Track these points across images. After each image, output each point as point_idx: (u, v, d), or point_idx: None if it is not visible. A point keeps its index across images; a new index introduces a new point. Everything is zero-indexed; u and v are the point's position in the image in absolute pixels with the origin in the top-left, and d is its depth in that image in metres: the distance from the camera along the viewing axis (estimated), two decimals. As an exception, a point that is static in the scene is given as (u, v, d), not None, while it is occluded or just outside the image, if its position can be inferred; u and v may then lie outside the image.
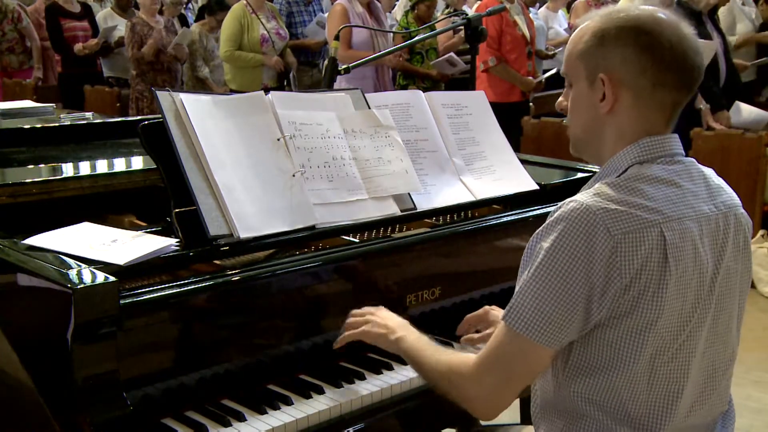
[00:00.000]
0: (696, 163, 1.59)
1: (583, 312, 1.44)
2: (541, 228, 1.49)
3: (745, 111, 5.75)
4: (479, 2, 5.83)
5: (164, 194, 1.84)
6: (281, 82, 6.43)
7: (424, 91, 2.44)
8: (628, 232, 1.42)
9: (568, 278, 1.42)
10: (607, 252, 1.41)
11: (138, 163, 2.40)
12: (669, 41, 1.48)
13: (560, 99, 1.65)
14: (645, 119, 1.53)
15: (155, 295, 1.62)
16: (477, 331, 2.00)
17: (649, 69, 1.49)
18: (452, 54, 5.99)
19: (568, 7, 7.73)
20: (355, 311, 1.84)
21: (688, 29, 1.52)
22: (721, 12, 6.42)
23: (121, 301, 1.54)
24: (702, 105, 5.52)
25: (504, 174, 2.41)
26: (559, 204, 1.49)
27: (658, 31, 1.49)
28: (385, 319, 1.78)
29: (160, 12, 7.27)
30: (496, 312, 1.96)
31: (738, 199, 1.61)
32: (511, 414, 2.93)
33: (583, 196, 1.47)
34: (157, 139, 1.86)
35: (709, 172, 1.61)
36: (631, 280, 1.42)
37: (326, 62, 2.76)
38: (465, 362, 1.56)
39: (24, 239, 1.76)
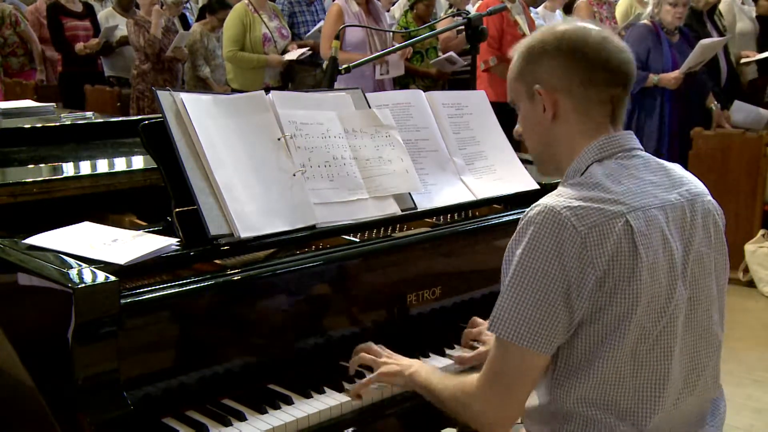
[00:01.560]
0: (654, 157, 1.65)
1: (564, 310, 1.46)
2: (513, 236, 1.53)
3: (745, 110, 5.75)
4: (480, 2, 5.83)
5: (165, 194, 1.84)
6: (284, 82, 6.43)
7: (424, 91, 2.44)
8: (594, 226, 1.46)
9: (543, 279, 1.46)
10: (576, 248, 1.44)
11: (138, 162, 2.40)
12: (589, 43, 1.57)
13: (516, 127, 1.72)
14: (587, 118, 1.59)
15: (156, 294, 1.62)
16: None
17: (576, 71, 1.57)
18: (452, 53, 6.00)
19: (566, 8, 7.73)
20: (362, 346, 1.87)
21: (608, 32, 1.62)
22: (723, 11, 6.42)
23: (122, 301, 1.54)
24: (713, 105, 5.52)
25: (504, 173, 2.41)
26: (526, 210, 1.53)
27: (579, 36, 1.58)
28: (397, 359, 1.83)
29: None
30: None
31: (704, 187, 1.65)
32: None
33: (546, 199, 1.52)
34: (157, 139, 1.86)
35: (671, 165, 1.66)
36: (605, 272, 1.45)
37: (327, 62, 2.76)
38: (470, 381, 1.60)
39: (25, 239, 1.76)
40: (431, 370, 1.77)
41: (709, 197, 1.64)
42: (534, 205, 1.52)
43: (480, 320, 2.04)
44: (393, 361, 1.82)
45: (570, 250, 1.44)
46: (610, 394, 1.51)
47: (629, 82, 1.60)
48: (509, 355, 1.51)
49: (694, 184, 1.64)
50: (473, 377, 1.60)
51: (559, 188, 1.56)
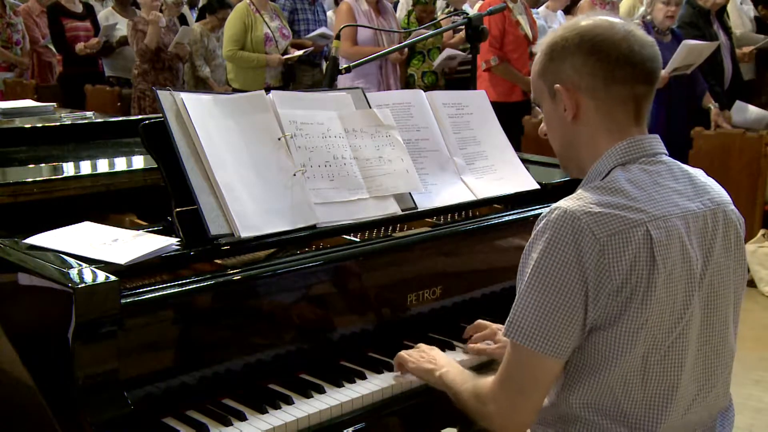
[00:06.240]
0: (679, 163, 1.60)
1: (581, 316, 1.45)
2: (530, 238, 1.51)
3: (746, 110, 5.75)
4: (481, 1, 5.83)
5: (165, 193, 1.84)
6: (285, 82, 6.43)
7: (424, 90, 2.44)
8: (614, 234, 1.43)
9: (562, 285, 1.43)
10: (594, 255, 1.42)
11: (139, 162, 2.40)
12: (612, 40, 1.52)
13: (541, 126, 1.70)
14: (610, 118, 1.55)
15: (156, 294, 1.62)
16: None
17: (598, 69, 1.53)
18: (449, 49, 6.02)
19: (566, 9, 7.73)
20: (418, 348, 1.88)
21: (633, 26, 1.57)
22: (730, 12, 6.41)
23: (122, 301, 1.54)
24: (711, 105, 5.51)
25: (505, 173, 2.41)
26: (544, 212, 1.50)
27: (600, 33, 1.54)
28: (435, 356, 1.83)
29: (160, 11, 7.25)
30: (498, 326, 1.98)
31: (728, 196, 1.62)
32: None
33: (566, 202, 1.48)
34: (158, 139, 1.86)
35: (695, 171, 1.62)
36: (623, 282, 1.43)
37: (328, 62, 2.76)
38: (485, 383, 1.59)
39: (25, 239, 1.76)
40: (459, 371, 1.75)
41: (732, 206, 1.60)
42: (552, 207, 1.49)
43: (485, 323, 2.03)
44: (428, 359, 1.82)
45: (589, 257, 1.42)
46: (617, 401, 1.49)
47: (654, 79, 1.57)
48: (523, 360, 1.49)
49: (717, 192, 1.60)
50: (488, 379, 1.59)
51: (579, 191, 1.52)
